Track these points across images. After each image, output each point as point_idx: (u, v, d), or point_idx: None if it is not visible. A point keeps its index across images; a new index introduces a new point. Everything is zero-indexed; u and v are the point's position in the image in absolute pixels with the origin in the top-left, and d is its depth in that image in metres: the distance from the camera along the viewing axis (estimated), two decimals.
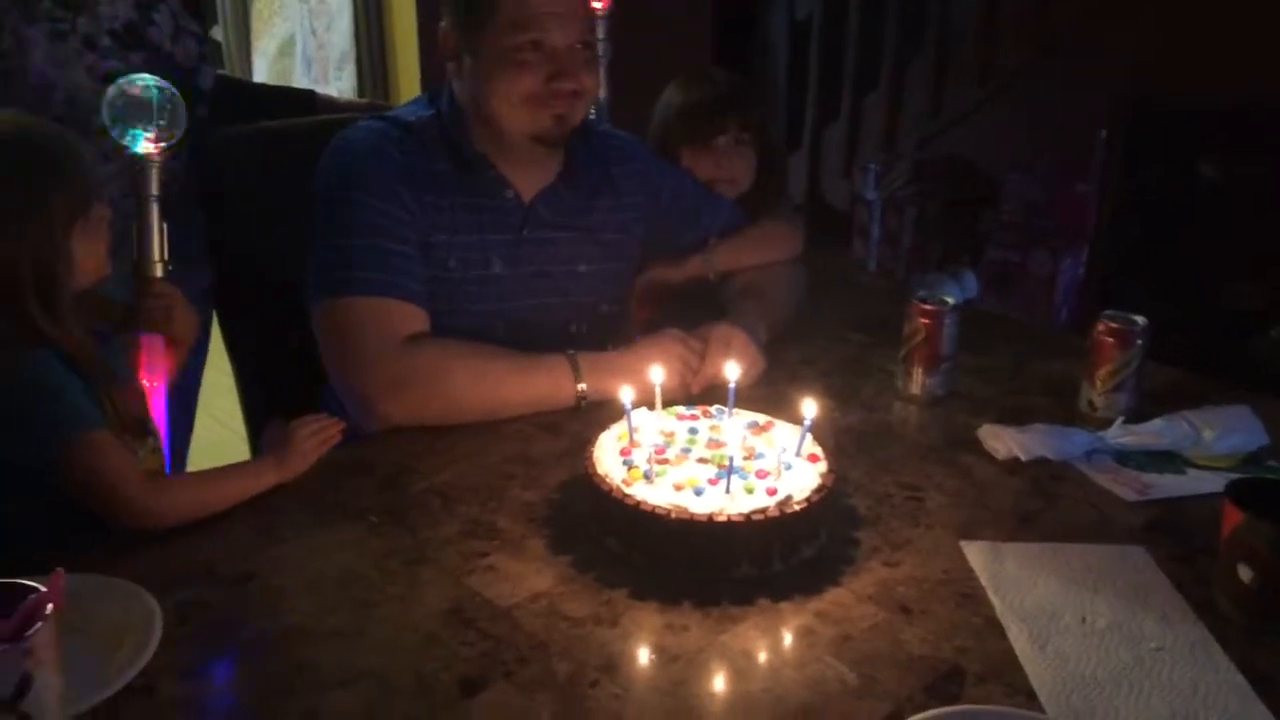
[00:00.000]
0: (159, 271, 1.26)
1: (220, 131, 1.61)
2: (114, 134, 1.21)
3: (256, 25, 2.80)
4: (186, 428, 1.76)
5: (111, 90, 1.21)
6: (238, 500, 1.15)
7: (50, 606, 0.75)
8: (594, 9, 1.43)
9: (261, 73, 2.81)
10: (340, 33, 2.62)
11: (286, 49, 2.76)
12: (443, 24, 1.44)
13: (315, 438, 1.23)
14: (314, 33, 2.68)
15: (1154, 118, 2.89)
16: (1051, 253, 3.04)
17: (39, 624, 0.73)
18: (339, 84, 2.64)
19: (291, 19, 2.72)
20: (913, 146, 3.67)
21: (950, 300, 1.44)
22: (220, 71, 1.75)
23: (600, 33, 1.74)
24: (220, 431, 1.88)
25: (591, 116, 1.59)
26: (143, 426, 1.20)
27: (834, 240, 3.44)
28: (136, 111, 1.21)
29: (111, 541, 1.08)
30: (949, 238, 3.29)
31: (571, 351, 1.40)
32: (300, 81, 2.71)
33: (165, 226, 1.26)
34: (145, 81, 1.22)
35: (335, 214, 1.40)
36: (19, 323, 1.05)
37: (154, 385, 1.26)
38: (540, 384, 1.38)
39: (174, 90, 1.23)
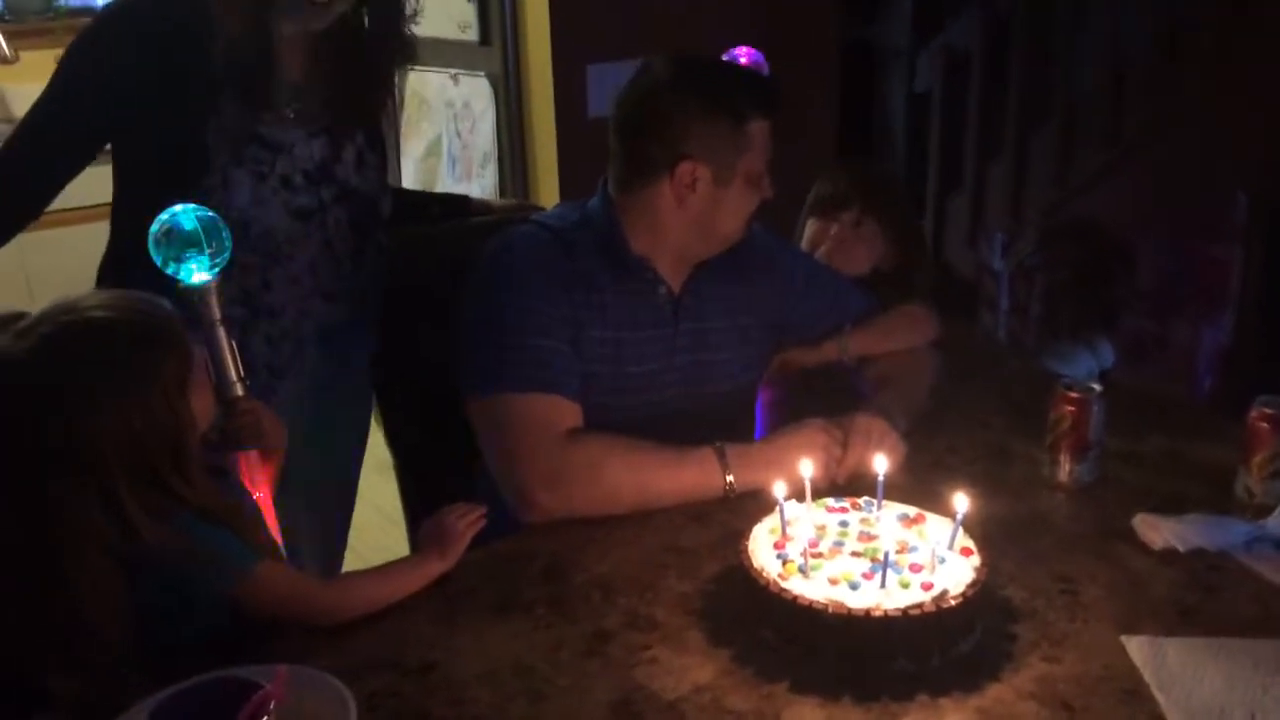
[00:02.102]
0: (239, 390, 1.28)
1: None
2: (168, 271, 1.23)
3: (405, 129, 2.97)
4: (346, 517, 1.85)
5: (155, 228, 1.22)
6: (409, 592, 1.23)
7: (275, 702, 0.83)
8: None
9: (409, 173, 2.97)
10: (483, 135, 2.76)
11: (433, 150, 2.92)
12: (686, 160, 1.46)
13: (463, 521, 1.30)
14: (458, 135, 2.83)
15: None
16: (1191, 321, 2.97)
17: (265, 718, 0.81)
18: (481, 182, 2.79)
19: (438, 123, 2.89)
20: (1040, 214, 3.63)
21: (1096, 387, 1.44)
22: None
23: None
24: (372, 516, 1.98)
25: None
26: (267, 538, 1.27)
27: (960, 311, 3.42)
28: (184, 244, 1.22)
29: (301, 634, 1.15)
30: (1081, 306, 3.24)
31: (719, 444, 1.45)
32: (445, 180, 2.87)
33: (234, 345, 1.28)
34: (186, 212, 1.23)
35: (493, 314, 1.47)
36: (162, 492, 1.09)
37: (259, 496, 1.31)
38: (690, 477, 1.43)
39: (214, 215, 1.24)
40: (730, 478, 1.42)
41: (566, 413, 1.44)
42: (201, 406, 1.14)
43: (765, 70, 1.77)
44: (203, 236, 1.23)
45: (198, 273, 1.24)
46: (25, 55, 2.99)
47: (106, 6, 1.57)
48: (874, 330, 1.71)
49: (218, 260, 1.25)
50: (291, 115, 1.53)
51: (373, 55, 1.62)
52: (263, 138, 1.51)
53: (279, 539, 1.30)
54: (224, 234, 1.25)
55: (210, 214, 1.24)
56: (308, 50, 1.53)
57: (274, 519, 1.32)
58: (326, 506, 1.75)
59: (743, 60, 1.76)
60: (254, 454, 1.30)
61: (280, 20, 1.48)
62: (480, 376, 1.46)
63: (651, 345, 1.54)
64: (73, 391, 1.04)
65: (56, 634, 1.03)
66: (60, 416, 1.03)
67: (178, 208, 1.24)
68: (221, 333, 1.27)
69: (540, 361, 1.44)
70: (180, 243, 1.23)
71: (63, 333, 1.06)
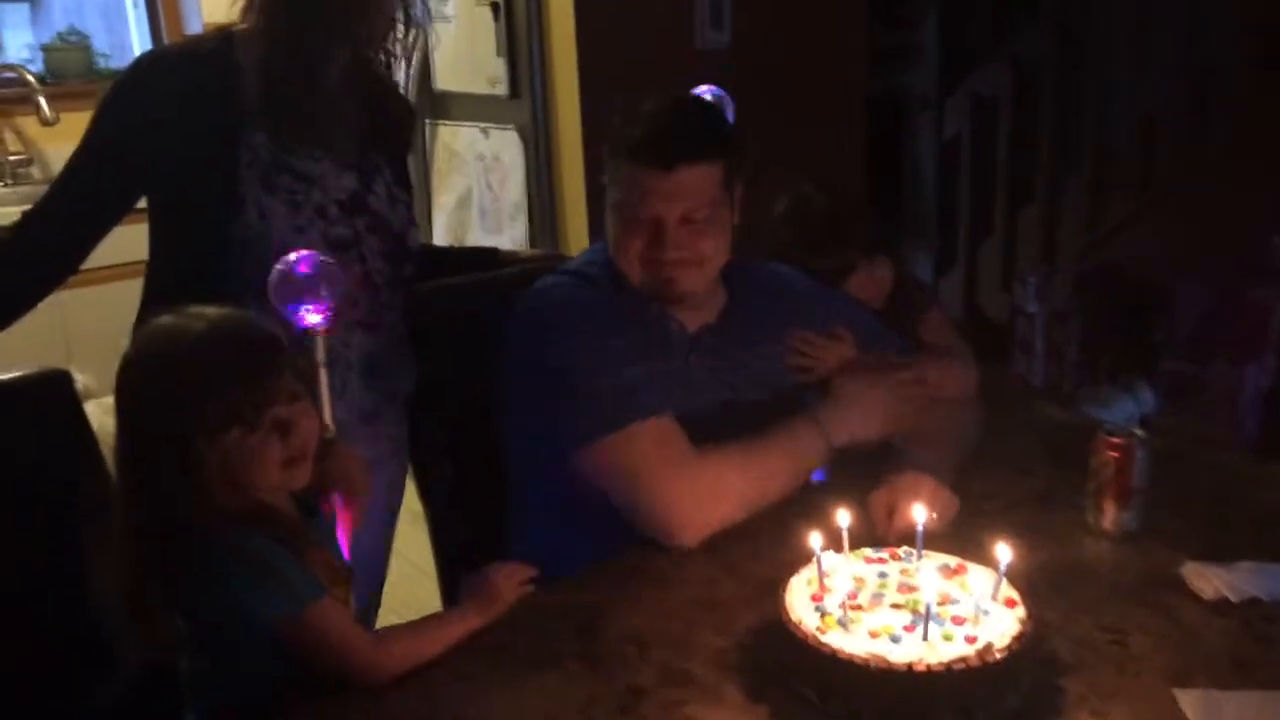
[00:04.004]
0: (333, 432, 1.31)
1: (415, 288, 1.73)
2: (283, 313, 1.26)
3: (436, 181, 3.00)
4: (387, 552, 1.84)
5: (277, 271, 1.26)
6: (448, 646, 1.21)
7: None
8: (712, 181, 1.46)
9: (440, 225, 3.00)
10: (513, 187, 2.79)
11: (464, 202, 2.95)
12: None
13: (510, 580, 1.29)
14: (489, 187, 2.86)
15: None
16: (1233, 363, 2.91)
17: None
18: (512, 233, 2.81)
19: (468, 175, 2.91)
20: (1073, 257, 3.61)
21: (1139, 432, 1.41)
22: None
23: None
24: (403, 567, 1.96)
25: None
26: (347, 575, 1.28)
27: (994, 355, 3.38)
28: (300, 288, 1.25)
29: (332, 695, 1.14)
30: (1118, 350, 3.20)
31: (811, 414, 1.51)
32: (476, 231, 2.90)
33: (338, 385, 1.31)
34: (307, 257, 1.26)
35: (565, 363, 1.47)
36: (247, 506, 1.13)
37: (340, 540, 1.31)
38: (796, 454, 1.49)
39: (333, 263, 1.27)
40: (832, 438, 1.49)
41: (675, 431, 1.45)
42: (308, 428, 1.17)
43: (725, 106, 1.78)
44: (316, 282, 1.26)
45: (309, 318, 1.27)
46: (66, 116, 3.05)
47: (135, 60, 1.61)
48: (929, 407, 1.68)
49: (332, 306, 1.27)
50: (326, 152, 1.55)
51: (394, 91, 1.68)
52: (294, 169, 1.53)
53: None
54: (337, 278, 1.28)
55: (327, 260, 1.27)
56: (342, 82, 1.56)
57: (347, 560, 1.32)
58: (371, 534, 1.73)
59: (707, 96, 1.77)
60: (339, 498, 1.31)
61: (332, 45, 1.51)
62: (580, 426, 1.45)
63: (667, 378, 1.53)
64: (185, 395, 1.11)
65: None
66: (175, 417, 1.10)
67: (297, 254, 1.27)
68: (324, 376, 1.29)
69: (629, 390, 1.45)
70: (296, 286, 1.26)
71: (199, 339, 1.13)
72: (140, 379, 1.14)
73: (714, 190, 1.47)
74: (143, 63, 1.59)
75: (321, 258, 1.28)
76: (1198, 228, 3.16)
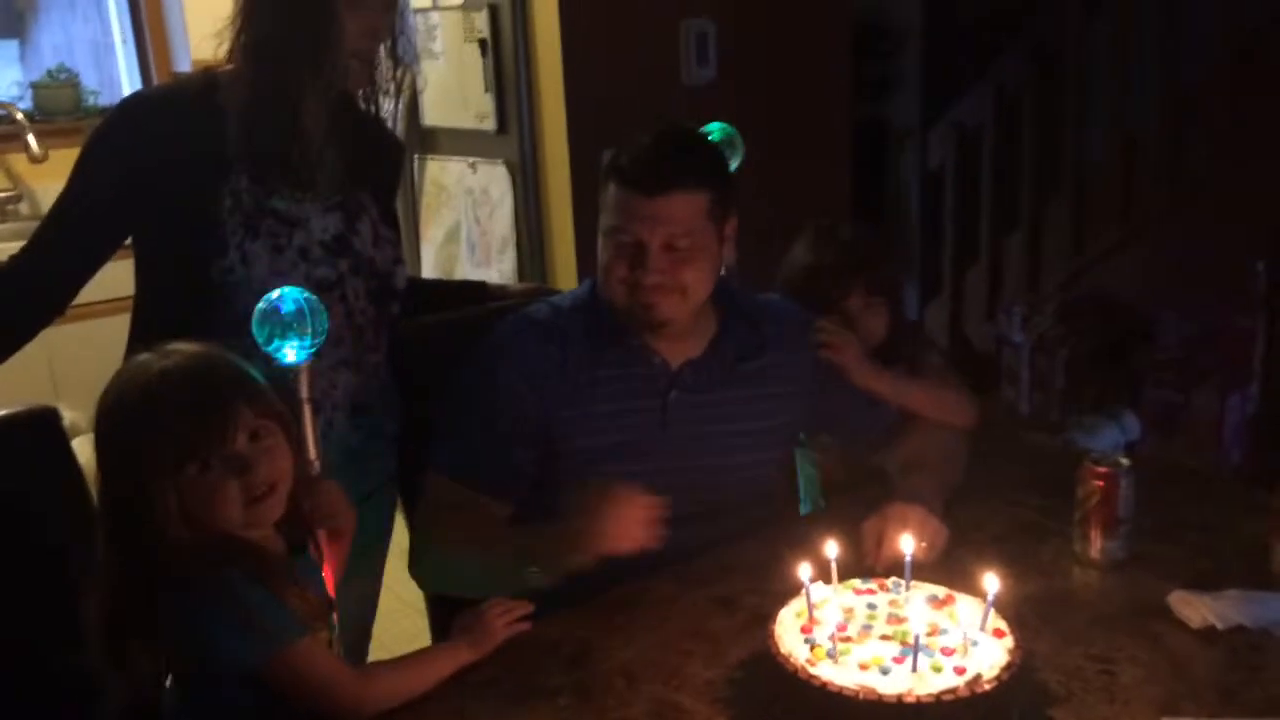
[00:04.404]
0: (317, 469, 1.30)
1: (403, 324, 1.73)
2: (268, 349, 1.26)
3: (425, 215, 3.02)
4: (377, 588, 1.83)
5: (259, 309, 1.26)
6: (436, 681, 1.20)
7: None
8: (696, 210, 1.47)
9: (429, 259, 3.01)
10: (501, 221, 2.81)
11: (453, 236, 2.96)
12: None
13: (504, 618, 1.29)
14: (477, 221, 2.88)
15: None
16: (1217, 391, 2.94)
17: None
18: (501, 267, 2.82)
19: (457, 209, 2.93)
20: (1058, 286, 3.64)
21: (1125, 461, 1.42)
22: None
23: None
24: (393, 604, 1.96)
25: (722, 273, 1.65)
26: (327, 612, 1.27)
27: (981, 385, 3.40)
28: (282, 325, 1.25)
29: None
30: (1104, 378, 3.22)
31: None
32: (465, 265, 2.91)
33: (318, 427, 1.30)
34: (290, 295, 1.26)
35: (461, 391, 1.56)
36: (219, 545, 1.12)
37: (325, 576, 1.30)
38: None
39: (316, 300, 1.28)
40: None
41: (470, 501, 1.50)
42: (273, 466, 1.17)
43: (735, 144, 1.80)
44: (300, 319, 1.26)
45: (291, 354, 1.27)
46: (54, 154, 3.05)
47: (119, 103, 1.62)
48: (925, 388, 1.69)
49: (314, 343, 1.28)
50: (309, 193, 1.56)
51: (381, 127, 1.69)
52: (277, 212, 1.54)
53: (336, 623, 1.30)
54: (322, 317, 1.28)
55: (311, 297, 1.28)
56: (325, 122, 1.57)
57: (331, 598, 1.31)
58: (359, 575, 1.73)
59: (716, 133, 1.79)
60: (324, 535, 1.31)
61: (310, 86, 1.51)
62: (430, 449, 1.57)
63: (642, 415, 1.54)
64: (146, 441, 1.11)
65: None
66: (134, 454, 1.11)
67: (279, 290, 1.28)
68: (308, 412, 1.29)
69: (468, 452, 1.53)
70: (278, 323, 1.26)
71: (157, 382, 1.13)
72: (108, 416, 1.14)
73: (698, 219, 1.48)
74: (126, 106, 1.59)
75: (305, 295, 1.28)
76: (1179, 256, 3.19)
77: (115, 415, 1.14)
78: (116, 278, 1.62)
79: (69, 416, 2.86)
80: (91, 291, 1.59)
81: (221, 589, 1.10)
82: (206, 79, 1.56)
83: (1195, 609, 1.27)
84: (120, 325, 1.62)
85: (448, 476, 1.53)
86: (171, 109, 1.56)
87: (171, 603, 1.10)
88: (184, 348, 1.17)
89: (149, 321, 1.58)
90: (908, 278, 4.07)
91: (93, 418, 1.17)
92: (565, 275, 2.69)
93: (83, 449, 2.18)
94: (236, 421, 1.14)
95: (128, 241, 1.59)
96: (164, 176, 1.51)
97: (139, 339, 1.60)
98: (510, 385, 1.53)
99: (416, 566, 1.55)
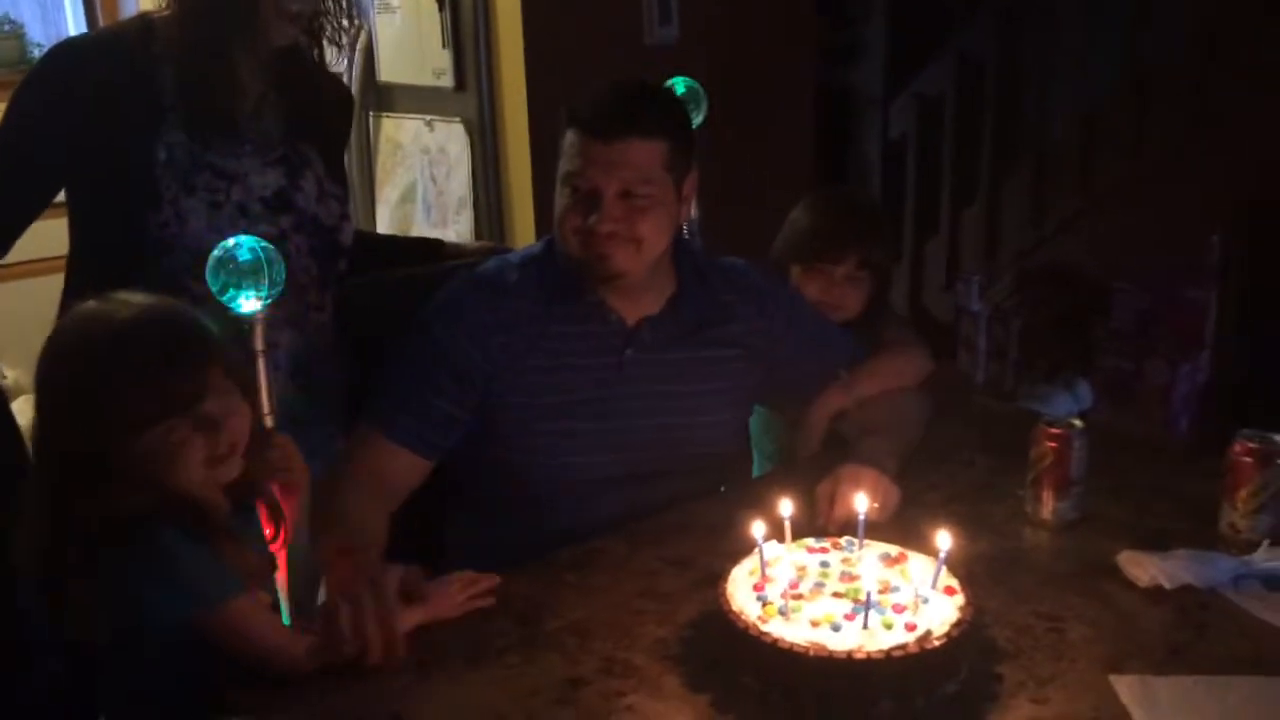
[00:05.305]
0: (270, 422, 1.29)
1: (353, 279, 1.70)
2: (222, 299, 1.25)
3: (380, 174, 2.96)
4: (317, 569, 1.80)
5: (214, 257, 1.25)
6: None
7: None
8: (653, 158, 1.44)
9: (384, 218, 2.96)
10: (458, 180, 2.76)
11: (408, 196, 2.91)
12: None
13: (465, 592, 1.27)
14: (434, 180, 2.82)
15: (1270, 218, 2.84)
16: (1168, 361, 2.97)
17: None
18: (457, 227, 2.78)
19: (413, 169, 2.87)
20: (1016, 257, 3.65)
21: (1077, 423, 1.43)
22: None
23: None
24: None
25: (685, 235, 1.64)
26: (267, 571, 1.25)
27: (939, 353, 3.40)
28: (239, 274, 1.25)
29: (262, 685, 1.11)
30: (1058, 348, 3.25)
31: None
32: (420, 226, 2.86)
33: (273, 379, 1.29)
34: (245, 244, 1.26)
35: (401, 344, 1.52)
36: (152, 497, 1.10)
37: (271, 533, 1.29)
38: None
39: (273, 249, 1.27)
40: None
41: (393, 457, 1.46)
42: (237, 425, 1.14)
43: (699, 99, 1.79)
44: (258, 268, 1.25)
45: (248, 304, 1.25)
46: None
47: (49, 50, 1.56)
48: (878, 372, 1.69)
49: (270, 292, 1.26)
50: (249, 147, 1.51)
51: (327, 79, 1.64)
52: (214, 166, 1.49)
53: (285, 581, 1.28)
54: (278, 267, 1.26)
55: (268, 246, 1.26)
56: (264, 75, 1.52)
57: (284, 561, 1.29)
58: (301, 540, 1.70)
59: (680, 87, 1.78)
60: (276, 490, 1.29)
61: (244, 40, 1.47)
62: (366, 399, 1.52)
63: (597, 373, 1.53)
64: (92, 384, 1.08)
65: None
66: (94, 408, 1.08)
67: (234, 239, 1.26)
68: (262, 364, 1.27)
69: (394, 405, 1.49)
70: (234, 272, 1.25)
71: (104, 330, 1.10)
72: (60, 366, 1.10)
73: (655, 168, 1.46)
74: (57, 53, 1.54)
75: (261, 243, 1.26)
76: (1136, 227, 3.22)
77: (76, 363, 1.10)
78: (59, 236, 1.57)
79: (11, 376, 2.80)
80: (33, 248, 1.55)
81: (152, 545, 1.08)
82: (143, 24, 1.51)
83: (1143, 568, 1.28)
84: (59, 284, 1.57)
85: (364, 423, 1.49)
86: (105, 56, 1.50)
87: (108, 557, 1.07)
88: (139, 298, 1.14)
89: (83, 279, 1.53)
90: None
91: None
92: (524, 237, 2.65)
93: (22, 409, 2.12)
94: (208, 381, 1.12)
95: (61, 198, 1.55)
96: (97, 126, 1.46)
97: (74, 295, 1.55)
98: (448, 339, 1.50)
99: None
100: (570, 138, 1.47)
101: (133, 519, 1.08)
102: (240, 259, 1.24)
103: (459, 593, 1.26)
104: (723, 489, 1.63)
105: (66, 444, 1.09)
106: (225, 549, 1.13)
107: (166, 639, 1.10)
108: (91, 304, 1.13)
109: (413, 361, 1.51)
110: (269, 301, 1.26)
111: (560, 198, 1.49)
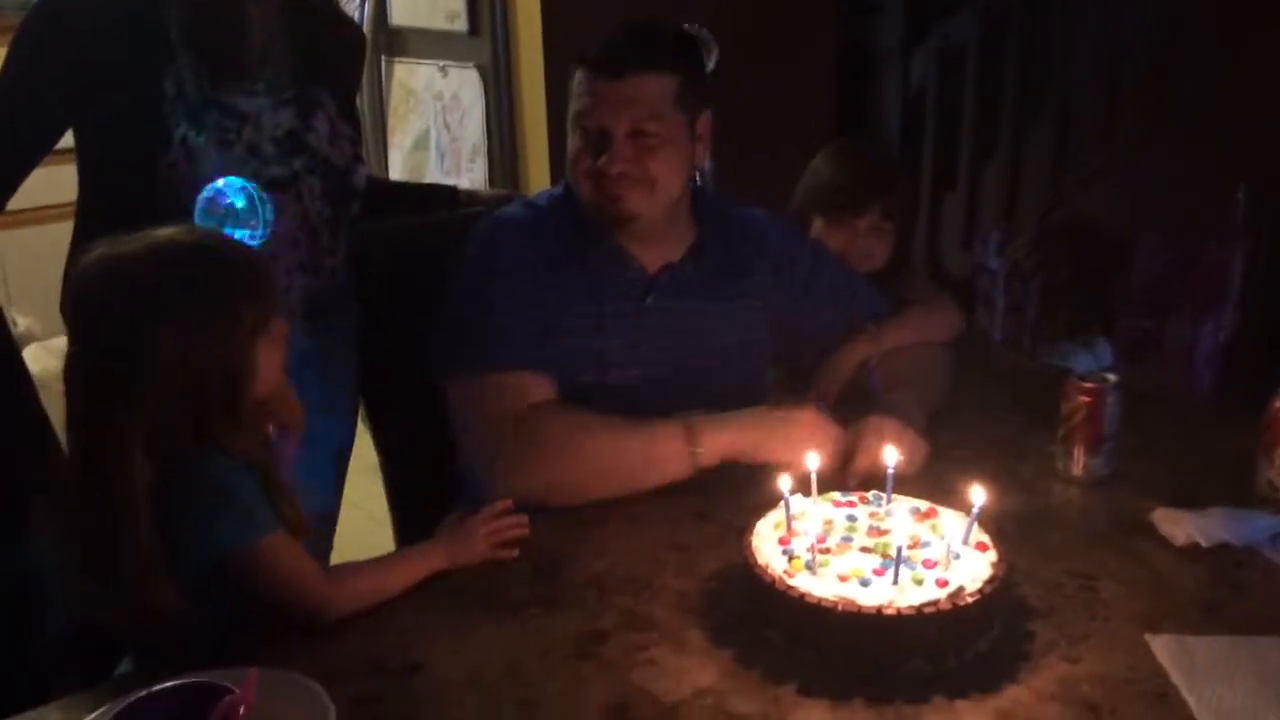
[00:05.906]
0: None
1: (367, 226, 1.66)
2: None
3: (392, 121, 2.91)
4: (339, 489, 1.78)
5: (202, 198, 1.23)
6: (405, 586, 1.17)
7: (244, 707, 0.77)
8: (663, 94, 1.40)
9: (397, 166, 2.91)
10: (472, 127, 2.71)
11: (421, 143, 2.86)
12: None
13: (492, 532, 1.24)
14: (447, 127, 2.77)
15: None
16: (1190, 319, 2.92)
17: None
18: (471, 175, 2.73)
19: (426, 115, 2.82)
20: (1036, 213, 3.60)
21: (1111, 377, 1.39)
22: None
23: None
24: (358, 516, 1.91)
25: (698, 184, 1.60)
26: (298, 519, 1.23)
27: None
28: (227, 216, 1.24)
29: (280, 634, 1.09)
30: (1078, 306, 3.20)
31: (683, 423, 1.40)
32: (434, 173, 2.81)
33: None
34: (234, 184, 1.24)
35: (462, 294, 1.46)
36: (201, 429, 1.08)
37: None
38: (654, 448, 1.39)
39: (260, 190, 1.25)
40: (698, 449, 1.37)
41: (534, 387, 1.41)
42: (271, 368, 1.13)
43: (710, 46, 1.74)
44: (250, 210, 1.25)
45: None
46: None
47: None
48: (907, 325, 1.66)
49: (257, 234, 1.25)
50: (260, 86, 1.48)
51: (338, 19, 1.62)
52: (224, 104, 1.46)
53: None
54: (268, 208, 1.26)
55: (256, 188, 1.25)
56: (274, 15, 1.48)
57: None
58: (320, 489, 1.68)
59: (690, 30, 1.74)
60: (277, 431, 1.25)
61: None
62: (449, 356, 1.44)
63: (618, 319, 1.49)
64: (145, 308, 1.05)
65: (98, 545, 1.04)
66: (131, 329, 1.05)
67: (222, 180, 1.25)
68: None
69: (500, 339, 1.42)
70: (223, 215, 1.24)
71: (159, 253, 1.09)
72: (163, 276, 1.07)
73: (665, 104, 1.42)
74: None
75: (249, 184, 1.24)
76: (1161, 183, 3.16)
77: (190, 269, 1.08)
78: (63, 183, 1.53)
79: (23, 323, 2.78)
80: (44, 195, 1.52)
81: (208, 473, 1.07)
82: None
83: (1179, 526, 1.24)
84: (70, 231, 1.54)
85: (480, 373, 1.41)
86: None
87: (163, 479, 1.06)
88: (167, 230, 1.12)
89: (93, 225, 1.49)
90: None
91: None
92: (539, 185, 2.60)
93: (38, 356, 2.10)
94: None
95: (69, 142, 1.50)
96: (102, 66, 1.42)
97: (85, 239, 1.52)
98: (509, 271, 1.46)
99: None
100: (579, 77, 1.43)
101: (197, 446, 1.07)
102: (229, 200, 1.24)
103: (484, 537, 1.24)
104: None
105: (150, 375, 1.05)
106: (276, 486, 1.12)
107: (197, 576, 1.08)
108: (138, 235, 1.10)
109: (489, 298, 1.44)
110: (260, 243, 1.25)
111: (571, 140, 1.46)
